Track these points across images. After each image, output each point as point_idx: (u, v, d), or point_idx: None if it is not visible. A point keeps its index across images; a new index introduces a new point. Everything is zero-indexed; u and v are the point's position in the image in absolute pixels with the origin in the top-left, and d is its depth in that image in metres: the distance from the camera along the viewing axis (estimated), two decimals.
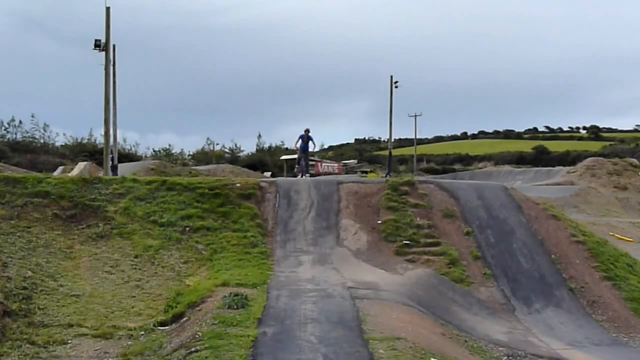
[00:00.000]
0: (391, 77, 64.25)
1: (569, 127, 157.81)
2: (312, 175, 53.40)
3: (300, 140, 28.75)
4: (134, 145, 74.98)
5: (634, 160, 65.44)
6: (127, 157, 58.33)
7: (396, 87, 64.06)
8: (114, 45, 37.73)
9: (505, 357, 15.82)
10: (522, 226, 24.60)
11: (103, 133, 36.66)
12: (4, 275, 17.30)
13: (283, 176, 54.63)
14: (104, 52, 36.07)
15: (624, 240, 35.76)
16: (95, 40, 35.71)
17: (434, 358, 12.17)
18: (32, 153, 58.44)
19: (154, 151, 79.91)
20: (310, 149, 28.57)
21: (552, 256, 22.68)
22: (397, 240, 23.05)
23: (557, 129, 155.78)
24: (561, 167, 72.91)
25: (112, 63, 37.19)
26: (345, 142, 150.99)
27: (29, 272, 18.17)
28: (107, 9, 36.02)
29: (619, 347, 17.61)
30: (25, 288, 17.14)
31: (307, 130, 27.28)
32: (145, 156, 72.33)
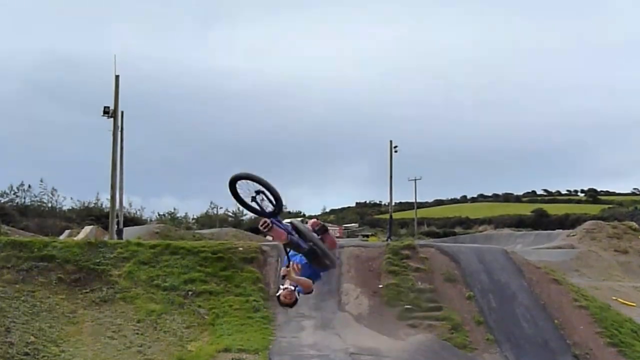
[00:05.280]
0: (390, 142, 64.92)
1: (567, 190, 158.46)
2: None
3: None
4: (139, 209, 75.32)
5: (634, 224, 65.32)
6: (132, 220, 58.47)
7: (396, 152, 64.59)
8: (122, 112, 38.18)
9: None
10: (524, 290, 24.61)
11: (109, 197, 36.89)
12: (7, 340, 17.32)
13: None
14: (112, 119, 36.44)
15: (627, 304, 35.53)
16: (104, 107, 35.99)
17: None
18: (40, 217, 58.98)
19: (159, 215, 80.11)
20: None
21: (555, 321, 22.65)
22: (399, 304, 23.05)
23: (555, 192, 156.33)
24: (561, 231, 72.76)
25: (119, 129, 37.54)
26: (346, 205, 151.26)
27: (31, 337, 18.17)
28: (117, 77, 36.58)
29: None
30: (27, 354, 17.15)
31: None
32: (150, 220, 72.50)
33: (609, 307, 25.46)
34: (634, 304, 36.42)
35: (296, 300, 6.96)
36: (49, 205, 67.13)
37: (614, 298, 36.59)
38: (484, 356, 20.41)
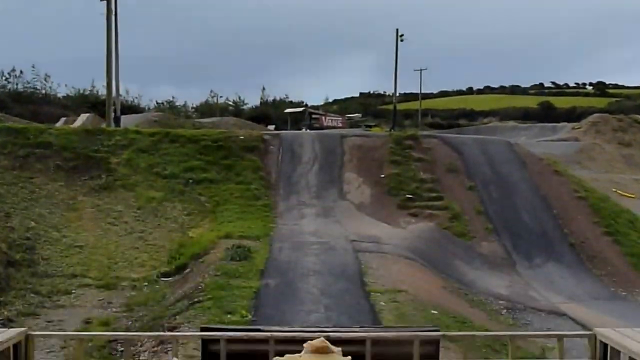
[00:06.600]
0: (397, 30, 63.47)
1: (575, 83, 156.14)
2: (316, 129, 53.12)
3: None
4: (136, 97, 73.88)
5: (639, 117, 64.79)
6: (129, 109, 57.51)
7: (402, 40, 63.26)
8: None
9: (505, 310, 15.97)
10: (525, 181, 24.57)
11: (105, 84, 36.36)
12: (7, 225, 17.42)
13: (287, 129, 54.43)
14: (105, 1, 35.55)
15: (627, 196, 35.70)
16: None
17: (435, 311, 12.28)
18: (34, 104, 57.16)
19: (157, 103, 78.79)
20: None
21: (554, 211, 22.70)
22: (400, 194, 23.06)
23: (563, 85, 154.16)
24: (566, 123, 72.24)
25: (113, 13, 36.62)
26: (349, 95, 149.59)
27: (32, 222, 18.28)
28: None
29: (618, 302, 17.76)
30: (28, 238, 17.29)
31: None
32: (148, 108, 71.33)
33: (608, 198, 25.50)
34: (633, 196, 36.60)
35: None
36: (43, 92, 65.40)
37: (614, 190, 36.72)
38: (482, 244, 20.57)
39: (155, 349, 10.03)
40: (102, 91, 51.06)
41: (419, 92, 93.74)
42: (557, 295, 17.79)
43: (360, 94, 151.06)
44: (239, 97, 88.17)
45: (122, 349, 10.47)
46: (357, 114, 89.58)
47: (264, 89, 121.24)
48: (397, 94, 68.84)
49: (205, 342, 6.02)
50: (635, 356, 5.36)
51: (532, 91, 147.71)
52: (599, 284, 19.07)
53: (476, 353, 9.74)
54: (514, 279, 18.90)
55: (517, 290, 17.83)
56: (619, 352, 5.67)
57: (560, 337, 6.38)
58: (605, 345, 5.86)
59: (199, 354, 5.95)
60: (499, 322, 14.57)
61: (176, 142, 24.84)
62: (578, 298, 17.66)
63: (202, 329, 6.60)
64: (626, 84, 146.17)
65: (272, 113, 79.74)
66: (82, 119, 43.86)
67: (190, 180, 22.73)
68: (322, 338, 5.68)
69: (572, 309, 16.44)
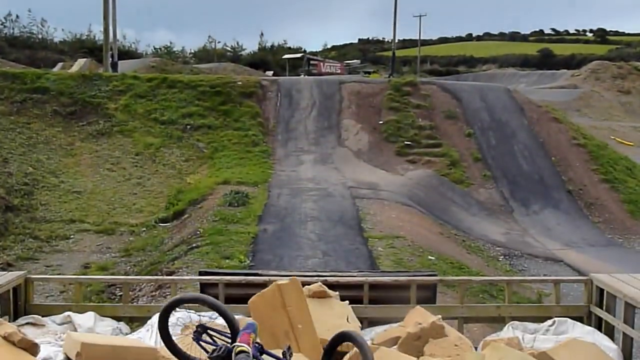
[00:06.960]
0: None
1: (576, 30, 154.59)
2: (314, 75, 52.64)
3: None
4: (133, 43, 72.93)
5: (639, 64, 64.18)
6: (127, 54, 56.62)
7: None
8: None
9: (502, 257, 16.09)
10: (523, 129, 24.48)
11: (102, 29, 35.75)
12: (5, 171, 17.39)
13: (285, 75, 53.85)
14: None
15: (625, 144, 35.67)
16: None
17: (432, 256, 12.36)
18: (31, 49, 56.45)
19: (155, 49, 77.84)
20: None
21: (553, 159, 22.69)
22: (399, 140, 23.00)
23: (563, 32, 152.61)
24: (565, 70, 71.66)
25: None
26: (348, 42, 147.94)
27: (30, 168, 18.24)
28: None
29: (614, 248, 17.88)
30: (26, 184, 17.28)
31: None
32: (146, 54, 70.47)
33: (607, 146, 25.46)
34: (631, 144, 36.56)
35: None
36: (40, 36, 64.53)
37: (612, 137, 36.65)
38: (480, 191, 20.62)
39: (154, 293, 10.11)
40: (99, 36, 50.23)
41: (418, 38, 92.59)
42: (553, 241, 17.90)
43: (359, 40, 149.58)
44: (237, 43, 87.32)
45: (120, 293, 10.55)
46: (355, 60, 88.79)
47: (262, 35, 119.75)
48: (396, 40, 67.94)
49: (204, 287, 6.06)
50: (631, 301, 5.39)
51: (532, 38, 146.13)
52: (596, 230, 19.18)
53: (473, 298, 9.84)
54: (512, 225, 19.00)
55: (514, 237, 17.95)
56: (615, 297, 5.70)
57: (556, 283, 6.41)
58: (601, 291, 5.89)
59: None
60: (496, 269, 14.69)
61: (174, 88, 24.64)
62: (575, 245, 17.77)
63: (201, 274, 6.63)
64: (627, 31, 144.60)
65: (270, 59, 78.92)
66: (79, 64, 43.34)
67: (188, 126, 22.63)
68: (319, 283, 5.72)
69: (568, 256, 16.56)
